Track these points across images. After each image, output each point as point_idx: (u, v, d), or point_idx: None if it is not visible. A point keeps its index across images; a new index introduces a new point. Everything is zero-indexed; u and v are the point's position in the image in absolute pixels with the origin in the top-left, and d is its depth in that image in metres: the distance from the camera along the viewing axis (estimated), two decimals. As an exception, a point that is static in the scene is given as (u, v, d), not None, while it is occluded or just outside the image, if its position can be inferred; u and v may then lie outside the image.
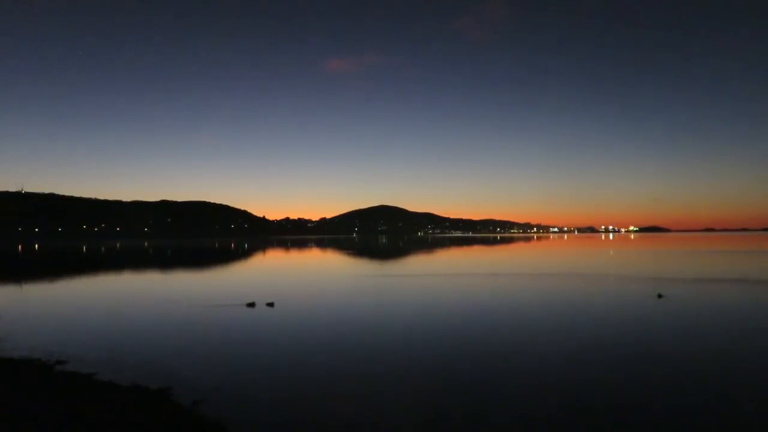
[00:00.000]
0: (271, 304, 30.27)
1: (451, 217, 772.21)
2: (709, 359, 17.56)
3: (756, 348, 19.35)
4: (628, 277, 47.98)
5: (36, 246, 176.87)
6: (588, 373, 15.86)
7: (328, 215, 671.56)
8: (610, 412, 12.51)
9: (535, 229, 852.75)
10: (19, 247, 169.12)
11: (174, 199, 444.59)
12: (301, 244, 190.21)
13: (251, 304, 30.39)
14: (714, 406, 12.90)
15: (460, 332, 22.31)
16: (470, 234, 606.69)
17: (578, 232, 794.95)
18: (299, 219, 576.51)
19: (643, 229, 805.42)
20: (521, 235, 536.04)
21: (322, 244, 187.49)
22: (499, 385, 14.79)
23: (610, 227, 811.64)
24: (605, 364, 16.93)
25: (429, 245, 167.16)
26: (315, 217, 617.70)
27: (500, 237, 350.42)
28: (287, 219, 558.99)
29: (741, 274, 49.24)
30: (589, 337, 21.14)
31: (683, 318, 25.55)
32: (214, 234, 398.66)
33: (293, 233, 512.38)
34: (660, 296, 32.66)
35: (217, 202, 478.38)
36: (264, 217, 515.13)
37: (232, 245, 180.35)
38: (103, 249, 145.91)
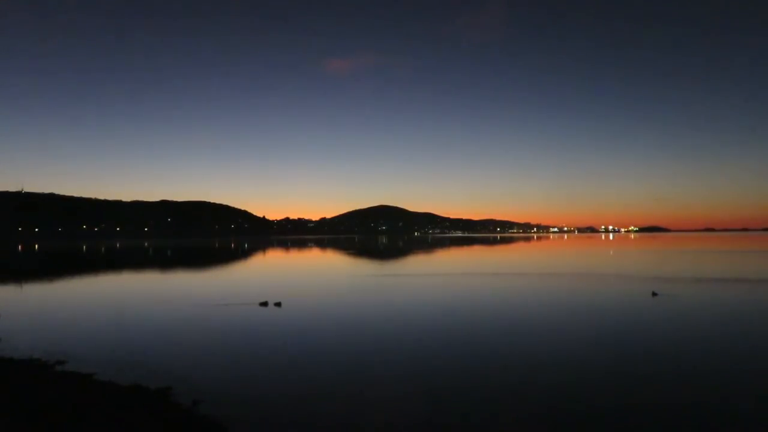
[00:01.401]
0: (278, 304, 30.27)
1: (451, 217, 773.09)
2: (696, 354, 18.03)
3: (741, 343, 19.74)
4: (625, 276, 48.39)
5: (36, 246, 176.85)
6: (579, 369, 15.92)
7: (328, 215, 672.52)
8: (598, 407, 12.55)
9: (535, 229, 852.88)
10: (19, 247, 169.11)
11: (174, 199, 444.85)
12: (301, 244, 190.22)
13: (264, 304, 30.44)
14: (695, 399, 12.96)
15: (460, 331, 22.33)
16: (470, 234, 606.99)
17: (578, 232, 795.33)
18: (299, 219, 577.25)
19: (643, 229, 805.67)
20: (521, 235, 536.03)
21: (322, 244, 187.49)
22: (497, 383, 14.80)
23: (610, 227, 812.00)
24: (596, 359, 17.12)
25: (429, 245, 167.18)
26: (315, 217, 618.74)
27: (500, 237, 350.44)
28: (287, 219, 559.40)
29: (735, 274, 49.56)
30: (582, 334, 21.44)
31: (674, 315, 26.19)
32: (214, 234, 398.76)
33: (293, 233, 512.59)
34: (654, 294, 33.40)
35: (217, 202, 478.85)
36: (264, 217, 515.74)
37: (232, 245, 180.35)
38: (103, 249, 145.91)
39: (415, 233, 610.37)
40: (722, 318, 25.43)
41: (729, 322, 24.45)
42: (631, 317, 25.83)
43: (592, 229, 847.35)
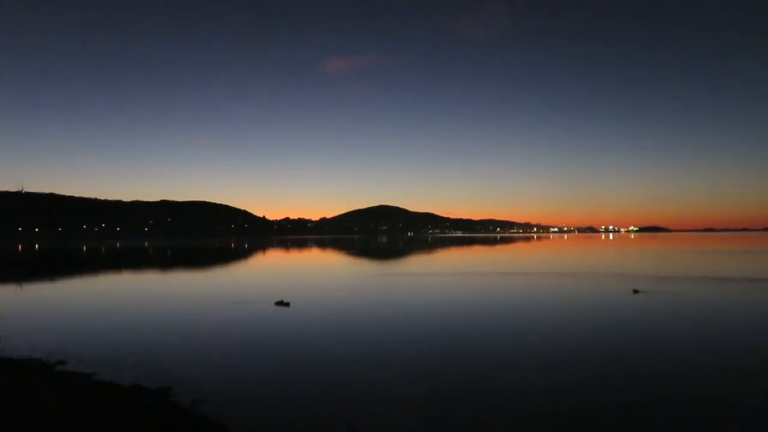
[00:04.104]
0: (287, 304, 30.24)
1: (451, 217, 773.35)
2: (666, 350, 18.86)
3: (711, 338, 20.59)
4: (615, 274, 49.45)
5: (36, 246, 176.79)
6: (552, 365, 16.11)
7: (328, 215, 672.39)
8: (568, 403, 12.59)
9: (535, 229, 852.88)
10: (19, 247, 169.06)
11: (174, 199, 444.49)
12: (301, 244, 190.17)
13: (280, 303, 30.49)
14: (660, 394, 13.09)
15: (458, 330, 22.35)
16: (470, 234, 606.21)
17: (578, 232, 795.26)
18: (299, 219, 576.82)
19: (643, 229, 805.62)
20: (521, 235, 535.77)
21: (322, 244, 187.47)
22: (492, 380, 14.85)
23: (610, 227, 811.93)
24: (570, 355, 17.47)
25: (429, 245, 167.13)
26: (315, 217, 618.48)
27: (500, 237, 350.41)
28: (287, 219, 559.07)
29: (723, 273, 50.21)
30: (564, 329, 22.51)
31: (651, 311, 27.35)
32: (214, 234, 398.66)
33: (293, 233, 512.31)
34: (636, 291, 34.87)
35: (217, 202, 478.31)
36: (264, 217, 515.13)
37: (232, 245, 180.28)
38: (103, 249, 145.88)
39: (409, 233, 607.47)
40: (697, 315, 26.32)
41: (703, 318, 25.30)
42: (608, 314, 26.95)
43: (592, 229, 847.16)
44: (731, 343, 20.02)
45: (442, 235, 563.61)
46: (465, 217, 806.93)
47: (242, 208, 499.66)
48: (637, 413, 12.44)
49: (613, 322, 24.54)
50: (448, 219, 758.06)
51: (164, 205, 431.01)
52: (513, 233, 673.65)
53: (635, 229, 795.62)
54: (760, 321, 24.76)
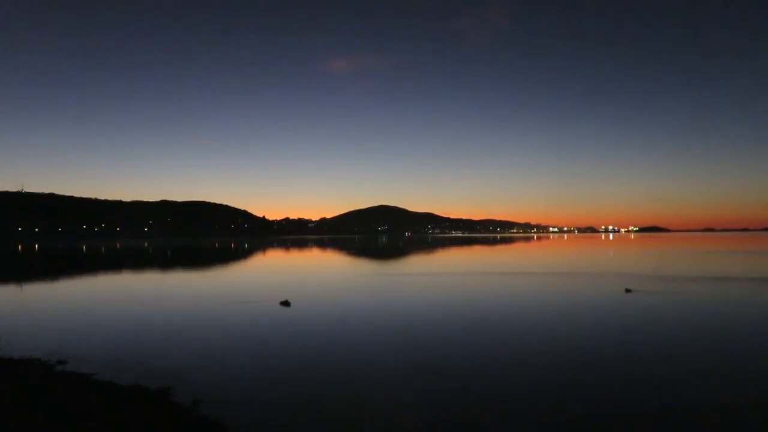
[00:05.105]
0: (287, 304, 30.24)
1: (451, 217, 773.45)
2: (657, 345, 19.26)
3: (698, 337, 20.80)
4: (613, 274, 49.65)
5: (36, 246, 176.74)
6: (548, 359, 16.16)
7: (328, 215, 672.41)
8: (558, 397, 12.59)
9: (535, 229, 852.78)
10: (19, 247, 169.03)
11: (174, 199, 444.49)
12: (301, 244, 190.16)
13: (284, 303, 30.36)
14: (641, 394, 13.09)
15: (456, 330, 22.34)
16: (470, 234, 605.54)
17: (578, 232, 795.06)
18: (299, 219, 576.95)
19: (643, 229, 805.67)
20: (521, 235, 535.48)
21: (322, 244, 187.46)
22: (491, 381, 14.86)
23: (610, 227, 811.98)
24: (559, 354, 17.57)
25: (429, 245, 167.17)
26: (315, 217, 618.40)
27: (500, 237, 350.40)
28: (287, 219, 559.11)
29: (718, 273, 50.25)
30: (555, 328, 22.72)
31: (642, 310, 27.53)
32: (214, 234, 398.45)
33: (293, 233, 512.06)
34: (628, 291, 34.97)
35: (217, 202, 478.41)
36: (264, 217, 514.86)
37: (232, 245, 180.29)
38: (103, 249, 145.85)
39: (408, 233, 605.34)
40: (688, 314, 26.44)
41: (694, 317, 25.44)
42: (599, 313, 27.23)
43: (593, 229, 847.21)
44: (722, 342, 20.05)
45: (442, 235, 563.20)
46: (465, 217, 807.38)
47: (242, 208, 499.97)
48: (626, 413, 12.43)
49: (603, 320, 24.76)
50: (448, 219, 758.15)
51: (164, 205, 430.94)
52: (513, 233, 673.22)
53: (635, 229, 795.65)
54: (754, 320, 24.75)
